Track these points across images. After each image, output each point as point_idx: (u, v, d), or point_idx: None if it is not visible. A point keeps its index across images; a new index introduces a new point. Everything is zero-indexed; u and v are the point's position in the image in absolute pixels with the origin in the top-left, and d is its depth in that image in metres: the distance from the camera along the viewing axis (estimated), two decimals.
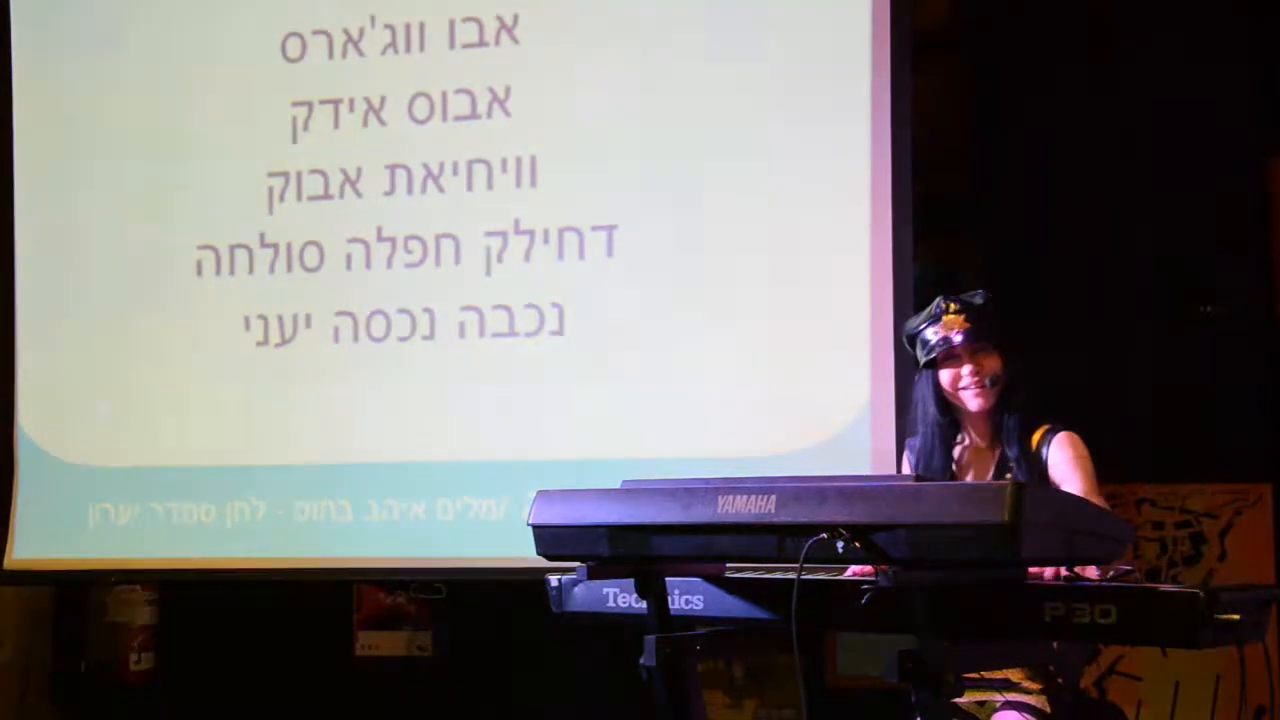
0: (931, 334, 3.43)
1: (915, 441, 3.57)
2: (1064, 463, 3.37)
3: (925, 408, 3.48)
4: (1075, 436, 3.40)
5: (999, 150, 5.08)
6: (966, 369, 3.41)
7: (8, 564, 5.09)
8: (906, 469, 3.59)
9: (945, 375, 3.44)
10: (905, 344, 3.55)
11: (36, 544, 5.07)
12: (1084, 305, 4.85)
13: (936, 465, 3.47)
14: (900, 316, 4.28)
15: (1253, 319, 4.86)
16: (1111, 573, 2.88)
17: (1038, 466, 3.37)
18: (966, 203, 5.12)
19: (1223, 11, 4.87)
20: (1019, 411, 3.42)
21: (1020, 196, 5.00)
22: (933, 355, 3.43)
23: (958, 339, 3.40)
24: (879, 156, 4.35)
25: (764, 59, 4.50)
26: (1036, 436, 3.41)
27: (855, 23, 4.40)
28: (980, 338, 3.40)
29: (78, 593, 5.78)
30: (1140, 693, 4.71)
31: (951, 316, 3.41)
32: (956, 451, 3.50)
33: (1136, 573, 2.99)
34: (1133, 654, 4.67)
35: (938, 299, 3.47)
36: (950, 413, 3.48)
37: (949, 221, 4.97)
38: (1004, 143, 5.07)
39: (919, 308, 4.11)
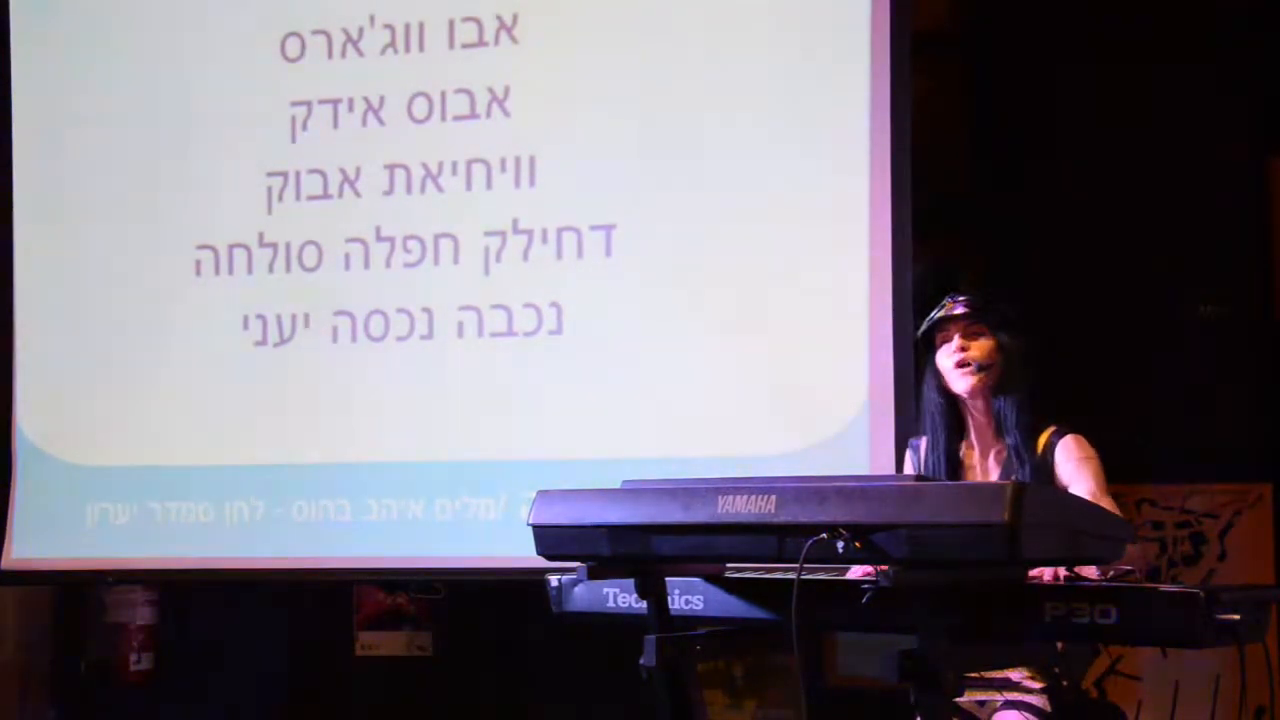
0: (930, 323, 3.48)
1: (917, 441, 3.59)
2: (1069, 462, 3.37)
3: (929, 394, 3.51)
4: (1081, 438, 3.41)
5: (999, 150, 5.08)
6: (954, 345, 3.43)
7: (5, 564, 5.09)
8: (909, 469, 3.60)
9: (940, 355, 3.46)
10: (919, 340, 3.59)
11: (35, 544, 5.07)
12: (1084, 305, 4.84)
13: (940, 453, 3.48)
14: (900, 317, 4.29)
15: (1253, 319, 4.86)
16: (1111, 573, 2.88)
17: (1045, 469, 3.38)
18: (966, 203, 5.11)
19: (1223, 12, 4.87)
20: (1015, 400, 3.42)
21: (1020, 196, 5.00)
22: (928, 329, 3.47)
23: (949, 314, 3.44)
24: (878, 156, 4.35)
25: (763, 59, 4.50)
26: (1043, 439, 3.41)
27: (855, 23, 4.40)
28: (973, 319, 3.44)
29: (78, 593, 5.78)
30: (1140, 693, 4.70)
31: (956, 304, 3.46)
32: (962, 450, 3.51)
33: (1136, 573, 2.99)
34: (1133, 654, 4.67)
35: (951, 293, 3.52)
36: (953, 403, 3.49)
37: (949, 221, 4.97)
38: (1004, 143, 5.07)
39: (919, 307, 4.12)
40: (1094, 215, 4.93)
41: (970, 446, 3.50)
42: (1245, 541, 4.77)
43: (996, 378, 3.43)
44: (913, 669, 2.53)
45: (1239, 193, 4.89)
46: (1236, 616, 2.50)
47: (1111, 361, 4.77)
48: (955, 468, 3.48)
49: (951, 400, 3.48)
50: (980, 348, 3.43)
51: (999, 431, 3.46)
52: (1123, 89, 4.95)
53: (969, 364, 3.42)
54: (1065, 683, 3.31)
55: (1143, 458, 4.67)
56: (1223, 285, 4.91)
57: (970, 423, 3.50)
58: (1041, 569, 2.87)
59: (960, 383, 3.44)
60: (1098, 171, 4.94)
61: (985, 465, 3.48)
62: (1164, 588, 2.57)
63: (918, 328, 3.59)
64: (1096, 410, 3.73)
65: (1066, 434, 3.41)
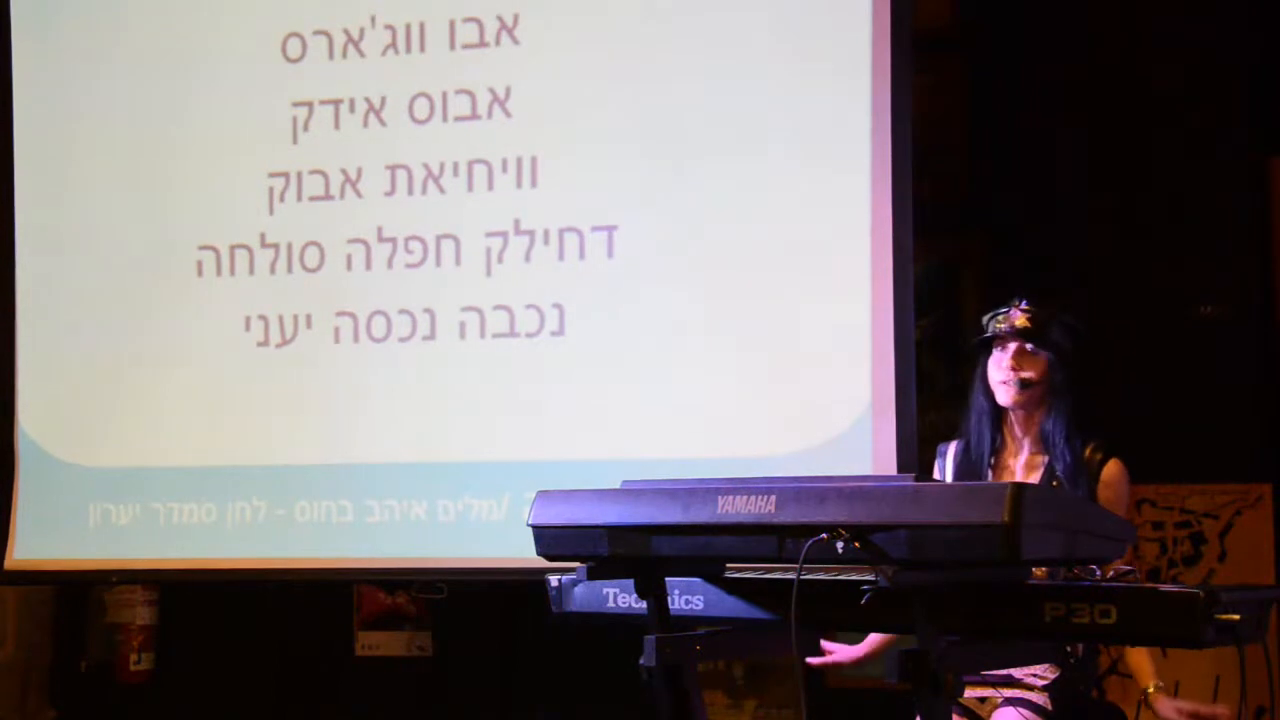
0: (993, 322, 3.50)
1: (945, 447, 3.62)
2: (1112, 493, 3.44)
3: (977, 399, 3.54)
4: (1123, 467, 3.48)
5: (999, 150, 5.08)
6: (1007, 359, 3.45)
7: (8, 564, 5.09)
8: (936, 474, 3.61)
9: (992, 365, 3.49)
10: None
11: (36, 544, 5.07)
12: (1084, 305, 4.84)
13: (977, 456, 3.51)
14: (901, 317, 4.29)
15: (1253, 319, 4.86)
16: (1111, 573, 2.89)
17: (1085, 484, 3.40)
18: (966, 203, 5.12)
19: (1223, 11, 4.87)
20: (1063, 421, 3.44)
21: (1020, 196, 5.01)
22: (983, 336, 3.49)
23: (1006, 328, 3.46)
24: (879, 156, 4.35)
25: (763, 59, 4.50)
26: (1087, 451, 3.45)
27: (855, 23, 4.40)
28: (1030, 336, 3.44)
29: (78, 593, 5.78)
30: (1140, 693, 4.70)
31: (1019, 312, 3.48)
32: (1001, 456, 3.53)
33: (1136, 573, 3.00)
34: None
35: (1019, 296, 3.53)
36: (998, 409, 3.52)
37: (949, 221, 4.97)
38: (1004, 143, 5.07)
39: (919, 308, 4.13)
40: (1094, 215, 4.94)
41: (1008, 453, 3.53)
42: (1245, 541, 4.77)
43: (1043, 395, 3.46)
44: (913, 669, 2.53)
45: (1239, 193, 4.89)
46: (1236, 616, 2.50)
47: (1111, 361, 4.77)
48: (991, 473, 3.51)
49: (997, 406, 3.51)
50: (1031, 365, 3.46)
51: (1040, 445, 3.48)
52: (1122, 88, 4.95)
53: (1015, 380, 3.45)
54: (1079, 672, 3.34)
55: (1143, 458, 4.68)
56: (1223, 285, 4.91)
57: (1011, 430, 3.53)
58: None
59: (1004, 395, 3.47)
60: (1097, 171, 4.95)
61: (1021, 471, 3.50)
62: (1164, 588, 2.57)
63: (920, 327, 3.61)
64: (1096, 410, 3.73)
65: (1110, 456, 3.47)
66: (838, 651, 3.43)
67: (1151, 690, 3.37)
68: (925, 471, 3.78)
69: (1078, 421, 3.47)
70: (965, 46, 5.18)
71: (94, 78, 5.12)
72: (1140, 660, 3.40)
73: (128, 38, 5.09)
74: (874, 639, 3.45)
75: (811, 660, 3.39)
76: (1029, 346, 3.45)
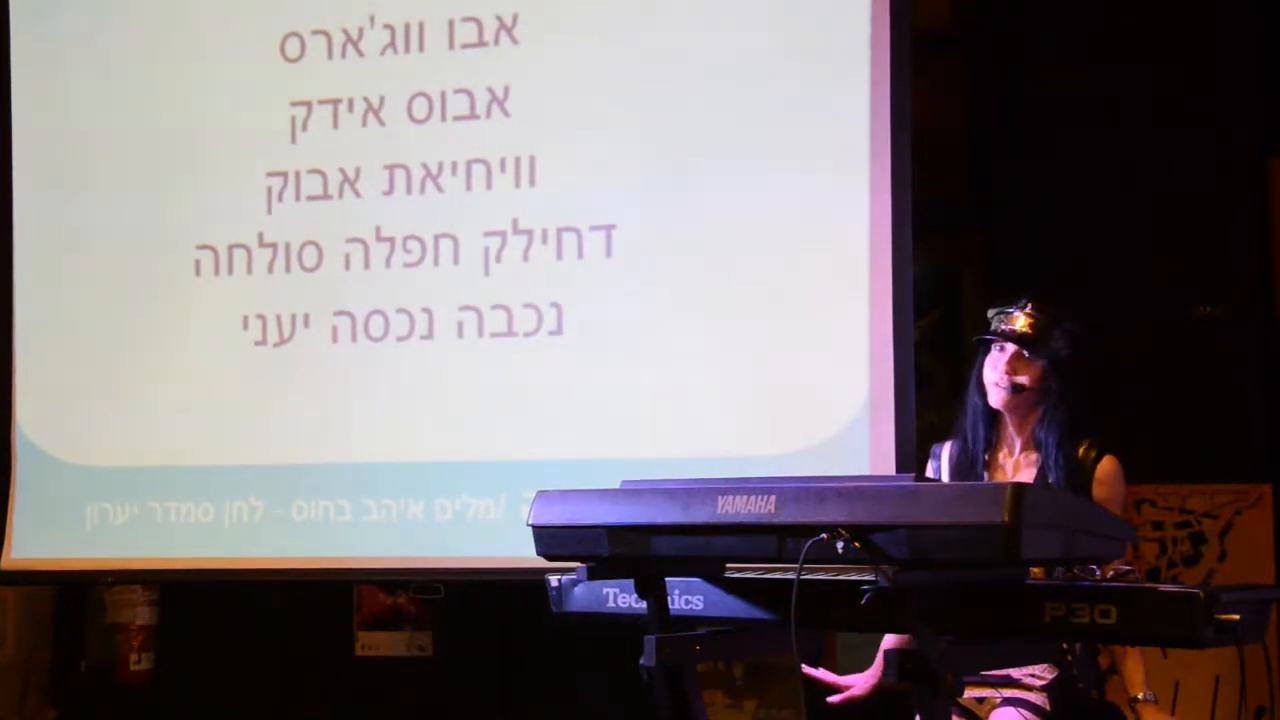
0: (996, 320, 3.48)
1: (939, 448, 3.62)
2: (1104, 491, 3.43)
3: (972, 397, 3.55)
4: (1119, 464, 3.47)
5: (999, 150, 5.08)
6: (1003, 361, 3.45)
7: (5, 564, 5.08)
8: (931, 474, 3.61)
9: (987, 365, 3.50)
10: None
11: (33, 544, 5.06)
12: (1083, 305, 4.84)
13: (972, 455, 3.51)
14: (900, 317, 4.29)
15: (1253, 319, 4.86)
16: (1111, 572, 2.89)
17: (1081, 482, 3.40)
18: (966, 203, 5.12)
19: (1223, 11, 4.87)
20: (1058, 428, 3.44)
21: (1020, 196, 5.01)
22: (984, 336, 3.50)
23: (1007, 329, 3.45)
24: (878, 157, 4.35)
25: (763, 58, 4.49)
26: (1079, 452, 3.44)
27: (855, 23, 4.40)
28: (1028, 344, 3.43)
29: (78, 593, 5.78)
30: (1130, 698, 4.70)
31: (1023, 315, 3.46)
32: (996, 456, 3.53)
33: (1136, 572, 3.00)
34: None
35: (1026, 297, 3.51)
36: (990, 408, 3.52)
37: (949, 221, 4.97)
38: (1004, 143, 5.07)
39: (919, 308, 4.13)
40: (1094, 215, 4.94)
41: (1003, 452, 3.53)
42: (1245, 541, 4.77)
43: (1035, 400, 3.46)
44: (912, 669, 2.53)
45: (1239, 193, 4.89)
46: (1236, 616, 2.50)
47: (1111, 361, 4.77)
48: (986, 471, 3.51)
49: (989, 404, 3.52)
50: (1025, 371, 3.45)
51: (1033, 446, 3.48)
52: (1122, 89, 4.95)
53: (1007, 384, 3.44)
54: (1076, 670, 3.34)
55: (1143, 458, 4.68)
56: (1223, 285, 4.91)
57: (1005, 431, 3.53)
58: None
59: (995, 396, 3.48)
60: (1097, 171, 4.95)
61: (1015, 470, 3.50)
62: (1164, 588, 2.57)
63: (919, 327, 3.61)
64: (1097, 411, 3.73)
65: (1105, 454, 3.46)
66: (855, 685, 3.41)
67: (1140, 699, 3.37)
68: (923, 471, 3.78)
69: (1073, 426, 3.46)
70: (965, 46, 5.18)
71: (92, 77, 5.11)
72: (1133, 667, 3.40)
73: (127, 37, 5.09)
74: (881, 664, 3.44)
75: (832, 699, 3.39)
76: (1026, 353, 3.45)
